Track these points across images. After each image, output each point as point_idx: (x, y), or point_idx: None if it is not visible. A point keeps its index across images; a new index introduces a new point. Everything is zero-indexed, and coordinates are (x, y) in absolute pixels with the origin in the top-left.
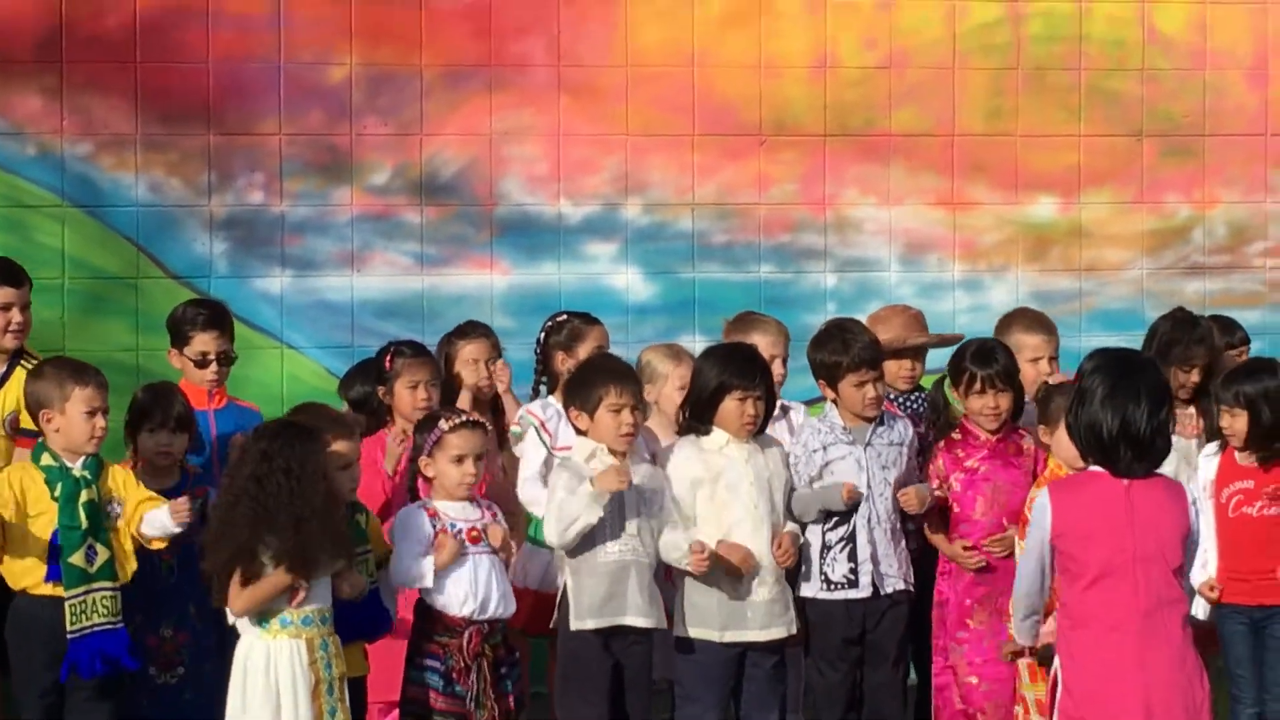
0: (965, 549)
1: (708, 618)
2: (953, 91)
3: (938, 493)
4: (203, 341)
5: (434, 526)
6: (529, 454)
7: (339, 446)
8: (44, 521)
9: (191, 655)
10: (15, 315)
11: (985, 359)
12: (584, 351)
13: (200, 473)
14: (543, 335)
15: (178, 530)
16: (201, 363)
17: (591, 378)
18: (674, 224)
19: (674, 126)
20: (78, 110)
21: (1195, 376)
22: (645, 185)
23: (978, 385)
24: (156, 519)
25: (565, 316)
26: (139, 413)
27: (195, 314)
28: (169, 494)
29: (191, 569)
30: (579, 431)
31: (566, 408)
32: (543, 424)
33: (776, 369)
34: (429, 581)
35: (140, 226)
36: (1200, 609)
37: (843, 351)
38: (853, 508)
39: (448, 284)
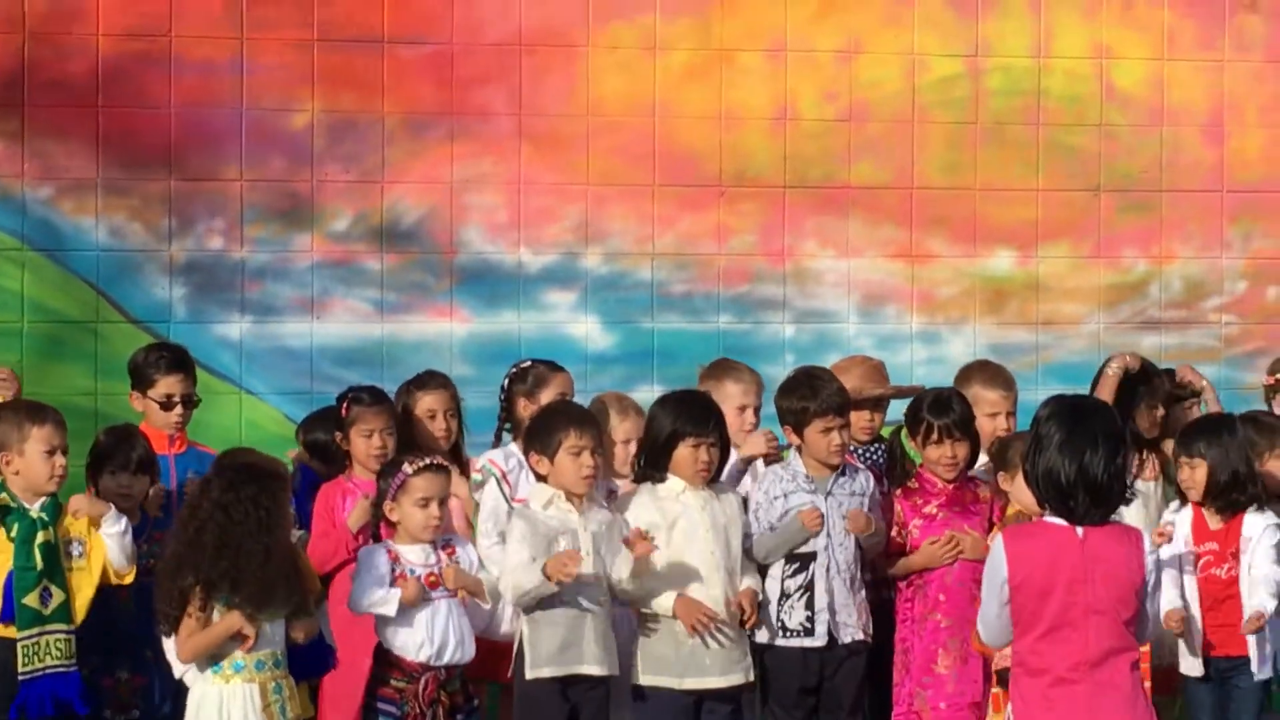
0: (931, 543)
1: (665, 665)
2: (912, 144)
3: (896, 539)
4: (167, 384)
5: (393, 569)
6: (487, 510)
7: None
8: (0, 562)
9: (147, 699)
10: None
11: (941, 409)
12: (547, 398)
13: (161, 516)
14: (507, 382)
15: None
16: (166, 405)
17: (551, 422)
18: (633, 273)
19: (634, 176)
20: (39, 154)
21: (1160, 411)
22: (605, 234)
23: (935, 435)
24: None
25: (530, 363)
26: (100, 455)
27: (158, 357)
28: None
29: (150, 611)
30: (539, 477)
31: (526, 453)
32: (504, 475)
33: (749, 418)
34: (392, 609)
35: (100, 270)
36: (1193, 667)
37: (811, 397)
38: (813, 537)
39: (408, 331)
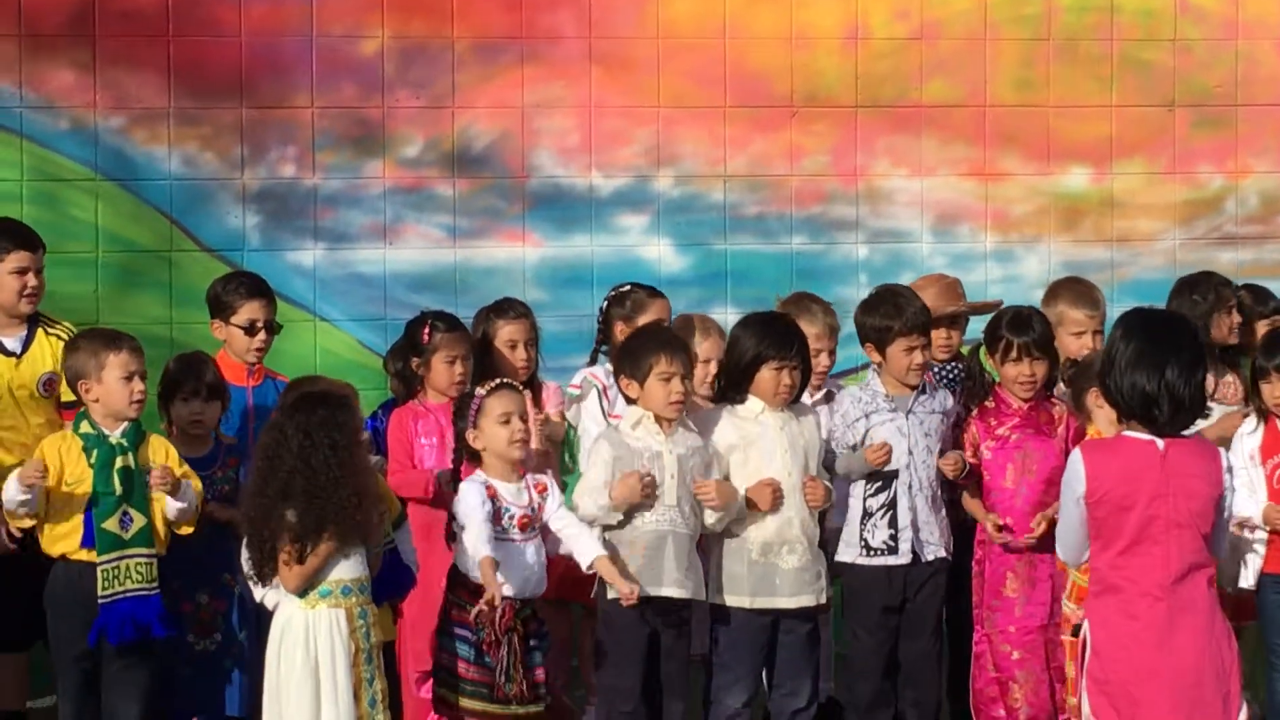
0: (998, 528)
1: (738, 585)
2: (984, 62)
3: (971, 460)
4: (250, 310)
5: (494, 505)
6: (590, 418)
7: None
8: (83, 489)
9: (228, 622)
10: (31, 280)
11: (1021, 326)
12: (644, 323)
13: (234, 443)
14: (605, 304)
15: (182, 510)
16: (249, 330)
17: (642, 346)
18: (706, 196)
19: (705, 98)
20: (111, 84)
21: (1237, 317)
22: (677, 157)
23: (1014, 353)
24: (170, 506)
25: (629, 287)
26: (171, 382)
27: (239, 284)
28: (202, 464)
29: (227, 536)
30: (629, 400)
31: (617, 375)
32: (605, 390)
33: (822, 361)
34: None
35: (173, 200)
36: (1249, 578)
37: (894, 315)
38: (885, 468)
39: (480, 256)
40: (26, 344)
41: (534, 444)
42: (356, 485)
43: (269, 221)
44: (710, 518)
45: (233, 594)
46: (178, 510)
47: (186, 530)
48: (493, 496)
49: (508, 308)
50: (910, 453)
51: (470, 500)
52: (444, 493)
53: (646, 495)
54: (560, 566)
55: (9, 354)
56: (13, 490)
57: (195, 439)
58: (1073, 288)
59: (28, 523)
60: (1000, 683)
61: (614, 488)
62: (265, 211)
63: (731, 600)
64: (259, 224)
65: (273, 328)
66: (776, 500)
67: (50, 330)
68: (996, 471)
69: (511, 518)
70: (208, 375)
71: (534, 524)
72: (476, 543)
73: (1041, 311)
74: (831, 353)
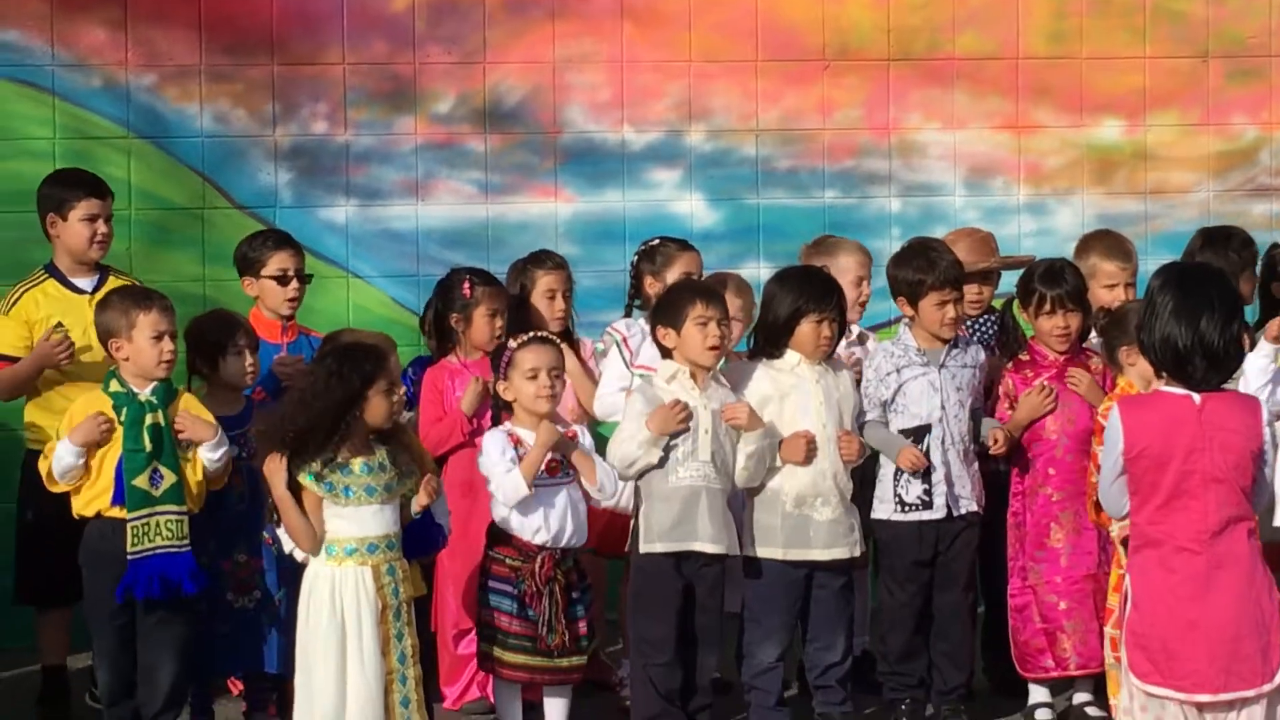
0: (1028, 395)
1: (772, 536)
2: (1017, 14)
3: (1007, 412)
4: (279, 260)
5: (517, 453)
6: (610, 369)
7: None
8: (115, 447)
9: (265, 580)
10: (101, 226)
11: (1054, 279)
12: (673, 276)
13: (266, 400)
14: (635, 259)
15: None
16: (282, 280)
17: (678, 295)
18: (737, 150)
19: (737, 52)
20: (142, 42)
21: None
22: (708, 112)
23: (1047, 306)
24: (206, 455)
25: (658, 241)
26: (213, 341)
27: (265, 238)
28: (236, 422)
29: (261, 495)
30: (664, 352)
31: (654, 328)
32: (624, 340)
33: (865, 290)
34: (525, 490)
35: (205, 157)
36: None
37: (927, 269)
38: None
39: (512, 212)
40: (98, 288)
41: (569, 404)
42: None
43: (301, 178)
44: (741, 458)
45: (270, 552)
46: (214, 461)
47: (217, 486)
48: (516, 444)
49: (545, 258)
50: (943, 407)
51: (492, 450)
52: (482, 428)
53: (682, 423)
54: (603, 520)
55: (81, 292)
56: (67, 455)
57: (228, 398)
58: (1104, 240)
59: (66, 487)
60: (1048, 633)
61: (649, 419)
62: (297, 168)
63: (764, 552)
64: (291, 181)
65: (304, 277)
66: (810, 453)
67: (119, 278)
68: (1037, 422)
69: (542, 462)
70: (249, 328)
71: (564, 467)
72: (505, 482)
73: (1074, 264)
74: (869, 280)
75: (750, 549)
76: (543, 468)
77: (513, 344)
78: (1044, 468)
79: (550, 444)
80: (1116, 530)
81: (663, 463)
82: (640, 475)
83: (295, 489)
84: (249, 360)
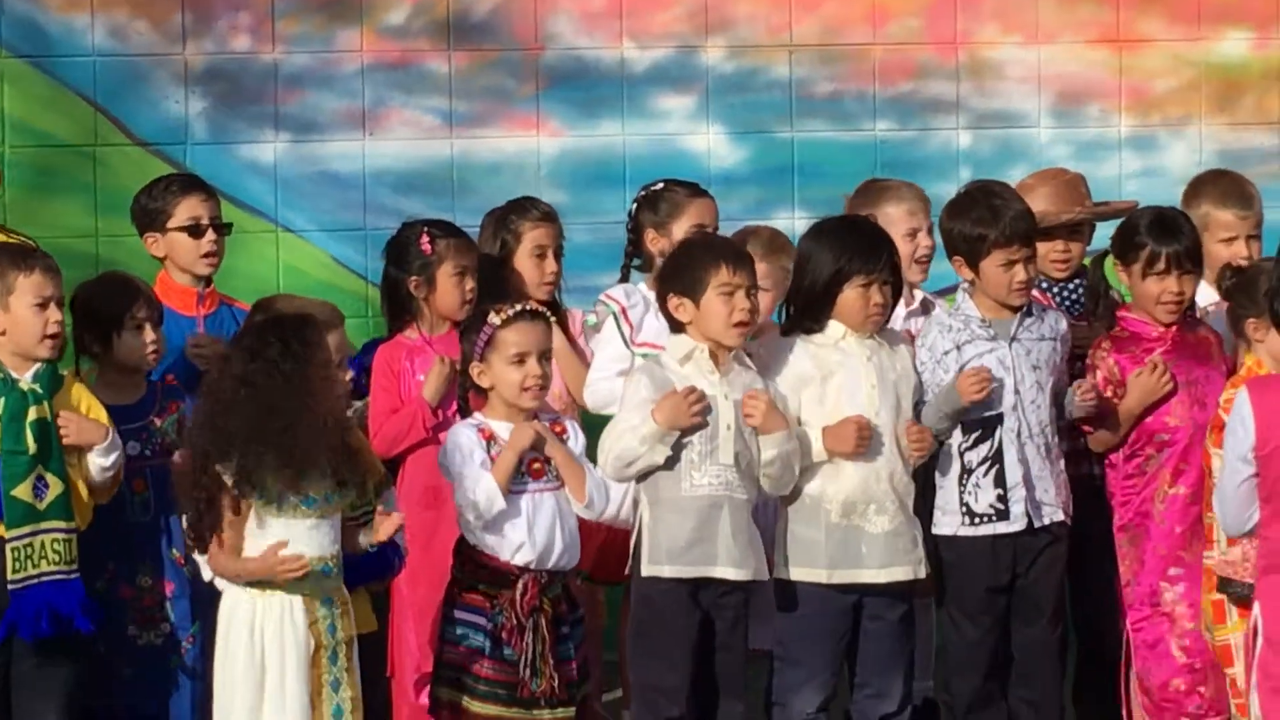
0: (1138, 375)
1: (813, 554)
2: None
3: (1111, 399)
4: (189, 206)
5: (489, 452)
6: (605, 348)
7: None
8: None
9: (177, 610)
10: None
11: (1169, 232)
12: (680, 230)
13: (174, 384)
14: (634, 208)
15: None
16: (195, 230)
17: (695, 257)
18: (766, 71)
19: None
20: None
21: None
22: (729, 23)
23: (1161, 265)
24: (95, 463)
25: (662, 185)
26: (106, 313)
27: (167, 183)
28: (135, 412)
29: (170, 502)
30: (676, 327)
31: (664, 297)
32: (624, 311)
33: (923, 242)
34: (502, 502)
35: (98, 82)
36: None
37: (989, 222)
38: (987, 408)
39: (482, 149)
40: None
41: (556, 390)
42: (319, 424)
43: (218, 108)
44: (767, 454)
45: (182, 575)
46: (105, 470)
47: (102, 500)
48: (489, 439)
49: (530, 206)
50: (1017, 391)
51: (460, 443)
52: (449, 420)
53: (697, 416)
54: (599, 536)
55: None
56: None
57: (124, 383)
58: (1218, 183)
59: None
60: (1193, 670)
61: (656, 409)
62: (213, 95)
63: (803, 575)
64: (205, 111)
65: (222, 228)
66: (862, 443)
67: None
68: (1160, 410)
69: (519, 464)
70: (152, 295)
71: (551, 471)
72: (475, 489)
73: (1186, 213)
74: (930, 231)
75: (784, 571)
76: (523, 470)
77: (494, 319)
78: (1172, 464)
79: (525, 447)
80: (1216, 558)
81: (673, 465)
82: (641, 477)
83: (209, 492)
84: (150, 336)
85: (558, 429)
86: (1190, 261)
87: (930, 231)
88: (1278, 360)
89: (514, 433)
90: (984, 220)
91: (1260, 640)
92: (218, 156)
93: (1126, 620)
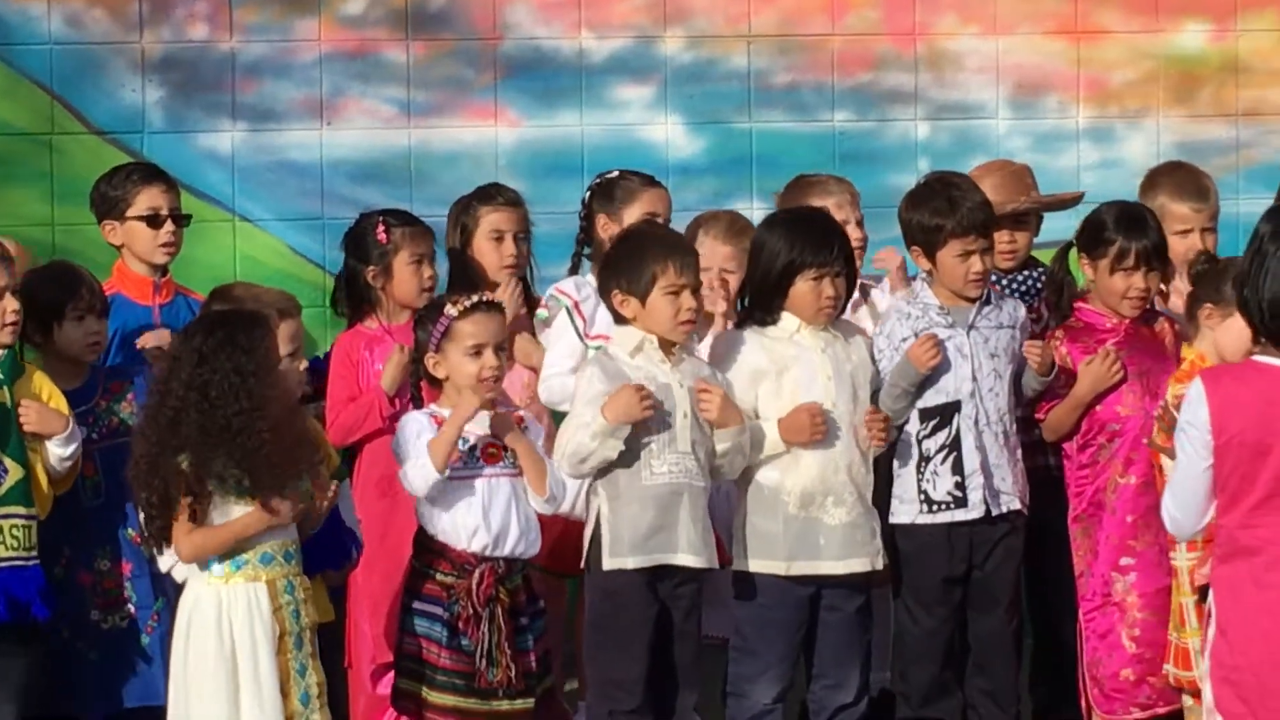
0: (1088, 363)
1: (772, 547)
2: None
3: (1061, 390)
4: (149, 196)
5: None
6: (557, 343)
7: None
8: None
9: (138, 591)
10: None
11: (1137, 228)
12: (631, 218)
13: (118, 369)
14: (587, 196)
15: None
16: (154, 221)
17: (640, 251)
18: (725, 62)
19: None
20: None
21: None
22: (688, 13)
23: (1129, 261)
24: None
25: (616, 174)
26: (50, 301)
27: (127, 172)
28: (79, 396)
29: (123, 483)
30: (620, 320)
31: (607, 291)
32: (576, 305)
33: (852, 234)
34: (434, 474)
35: (54, 69)
36: None
37: (947, 212)
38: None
39: (441, 139)
40: None
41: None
42: (270, 421)
43: (175, 96)
44: (721, 446)
45: (139, 554)
46: (64, 459)
47: (62, 488)
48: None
49: (495, 193)
50: (974, 378)
51: (411, 431)
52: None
53: (648, 410)
54: (556, 528)
55: None
56: None
57: (66, 370)
58: (1174, 175)
59: None
60: (1142, 660)
61: (605, 405)
62: (170, 83)
63: (761, 566)
64: (162, 100)
65: (181, 218)
66: (817, 430)
67: None
68: (1110, 399)
69: (474, 449)
70: (94, 283)
71: (508, 457)
72: (419, 471)
73: (1150, 210)
74: (860, 224)
75: (743, 562)
76: (477, 454)
77: (451, 310)
78: (1125, 451)
79: (469, 417)
80: (1184, 557)
81: (630, 459)
82: (595, 474)
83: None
84: (93, 327)
85: (515, 417)
86: (1157, 258)
87: (860, 224)
88: (1221, 351)
89: (459, 405)
90: (941, 211)
91: (1214, 629)
92: (175, 145)
93: (1080, 610)
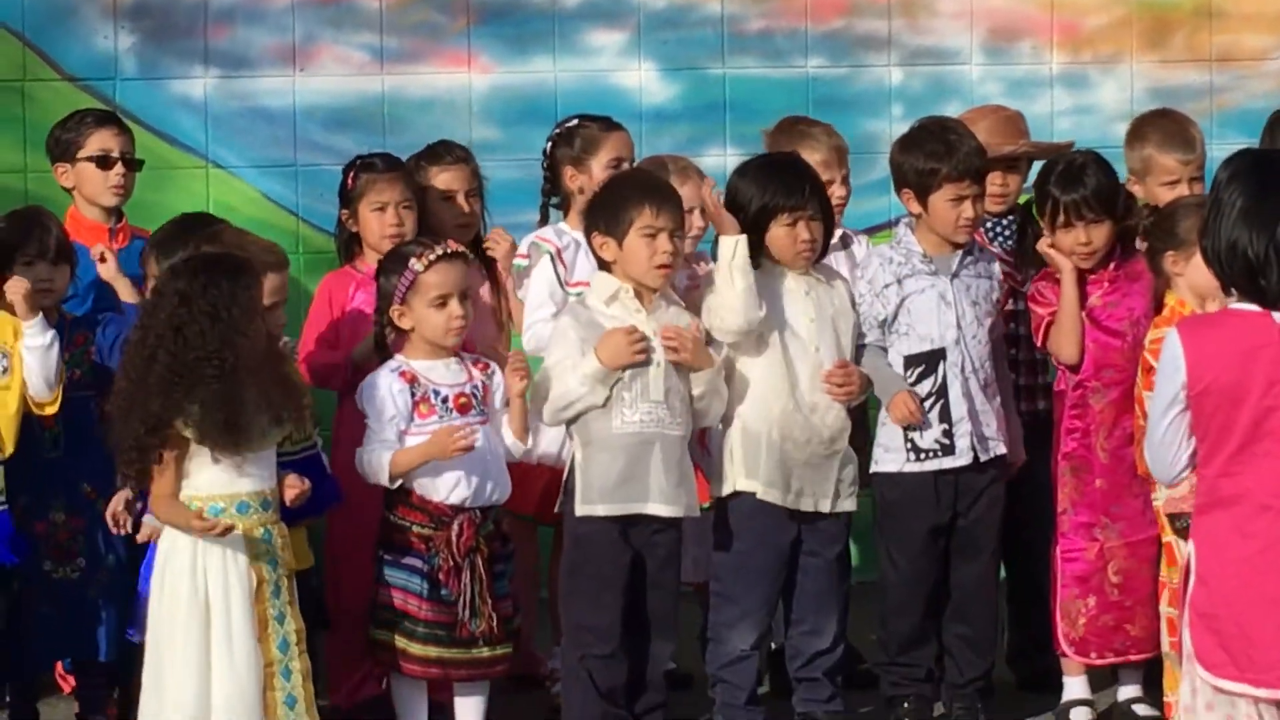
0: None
1: (755, 467)
2: None
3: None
4: (100, 139)
5: (413, 395)
6: (538, 289)
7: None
8: None
9: (91, 544)
10: None
11: (1070, 181)
12: (598, 165)
13: (83, 317)
14: (549, 145)
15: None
16: (103, 162)
17: (619, 196)
18: (698, 8)
19: None
20: None
21: None
22: None
23: (1062, 216)
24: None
25: (576, 121)
26: (7, 244)
27: (81, 116)
28: None
29: (83, 437)
30: (602, 264)
31: (588, 234)
32: (559, 252)
33: (835, 191)
34: (385, 480)
35: (26, 16)
36: None
37: (944, 156)
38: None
39: (414, 85)
40: None
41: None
42: (243, 363)
43: (147, 42)
44: (697, 389)
45: (94, 508)
46: (44, 347)
47: (50, 409)
48: (411, 382)
49: (443, 152)
50: (959, 325)
51: (378, 391)
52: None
53: (640, 354)
54: (543, 479)
55: None
56: None
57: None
58: (1162, 126)
59: None
60: (1124, 608)
61: (599, 348)
62: (143, 30)
63: (747, 485)
64: (135, 46)
65: (132, 163)
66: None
67: None
68: (1102, 315)
69: (445, 400)
70: (54, 231)
71: (478, 405)
72: (374, 468)
73: (1102, 158)
74: (845, 180)
75: (726, 486)
76: (450, 406)
77: (416, 264)
78: (1116, 403)
79: (442, 459)
80: (1164, 499)
81: (604, 404)
82: (576, 420)
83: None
84: (42, 274)
85: (481, 366)
86: (1095, 209)
87: (845, 181)
88: (1197, 290)
89: (435, 439)
90: (937, 154)
91: (1193, 578)
92: (148, 92)
93: (1057, 548)
